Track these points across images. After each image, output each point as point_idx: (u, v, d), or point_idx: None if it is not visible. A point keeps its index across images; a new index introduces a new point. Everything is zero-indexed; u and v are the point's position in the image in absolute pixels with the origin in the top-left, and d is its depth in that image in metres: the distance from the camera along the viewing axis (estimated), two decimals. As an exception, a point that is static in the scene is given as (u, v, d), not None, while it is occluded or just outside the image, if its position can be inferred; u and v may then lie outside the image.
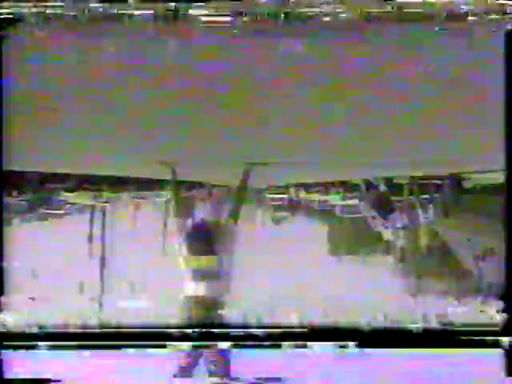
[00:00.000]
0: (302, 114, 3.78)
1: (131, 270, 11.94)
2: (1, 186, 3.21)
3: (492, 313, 3.30)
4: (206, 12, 2.60)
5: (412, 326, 3.46)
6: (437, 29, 2.55)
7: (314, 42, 2.63)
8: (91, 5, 2.60)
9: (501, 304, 3.18)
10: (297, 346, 3.43)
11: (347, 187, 16.48)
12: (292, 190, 17.76)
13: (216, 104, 3.51)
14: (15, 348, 3.34)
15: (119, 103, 3.49)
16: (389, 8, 2.58)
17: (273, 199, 16.96)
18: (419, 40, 2.60)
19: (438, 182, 14.90)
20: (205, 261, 5.35)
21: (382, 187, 14.75)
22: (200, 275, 5.33)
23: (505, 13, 2.59)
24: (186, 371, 5.25)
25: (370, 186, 15.13)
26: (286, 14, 2.58)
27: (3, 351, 3.28)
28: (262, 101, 3.41)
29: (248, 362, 4.45)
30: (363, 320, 3.49)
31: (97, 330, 3.47)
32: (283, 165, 6.81)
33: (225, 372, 5.20)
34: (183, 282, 5.39)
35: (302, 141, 4.95)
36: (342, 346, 3.43)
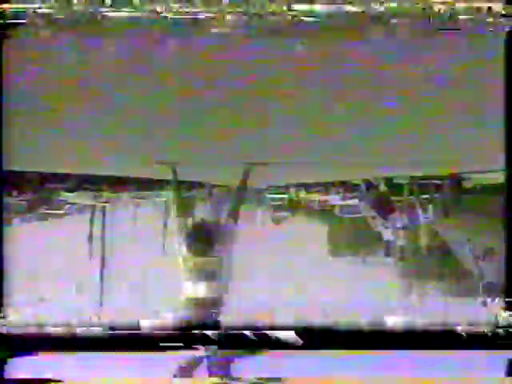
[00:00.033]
0: (302, 114, 3.78)
1: (131, 269, 11.94)
2: (1, 186, 3.20)
3: (492, 312, 3.29)
4: (205, 12, 2.60)
5: (412, 326, 3.46)
6: (437, 29, 2.55)
7: (314, 42, 2.63)
8: (91, 5, 2.60)
9: (501, 304, 3.18)
10: (296, 348, 3.43)
11: (347, 187, 16.48)
12: (292, 190, 17.76)
13: (216, 104, 3.51)
14: (15, 348, 3.34)
15: (119, 103, 3.49)
16: (389, 8, 2.58)
17: (273, 199, 16.96)
18: (419, 40, 2.60)
19: (438, 182, 14.90)
20: (204, 261, 5.34)
21: (382, 187, 14.76)
22: (199, 275, 5.33)
23: (505, 14, 2.59)
24: (186, 371, 5.25)
25: (369, 185, 15.13)
26: (286, 13, 2.58)
27: (3, 351, 3.28)
28: (262, 101, 3.41)
29: (247, 361, 4.45)
30: (363, 320, 3.49)
31: (97, 332, 3.47)
32: (283, 165, 6.81)
33: (225, 372, 5.20)
34: (182, 282, 5.39)
35: (302, 141, 4.95)
36: (342, 347, 3.43)
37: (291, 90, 3.20)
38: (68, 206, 16.43)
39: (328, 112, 3.69)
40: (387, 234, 14.40)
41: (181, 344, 3.56)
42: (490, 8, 2.58)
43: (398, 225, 14.16)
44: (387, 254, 14.14)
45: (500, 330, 3.22)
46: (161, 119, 3.97)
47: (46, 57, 2.74)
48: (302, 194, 17.87)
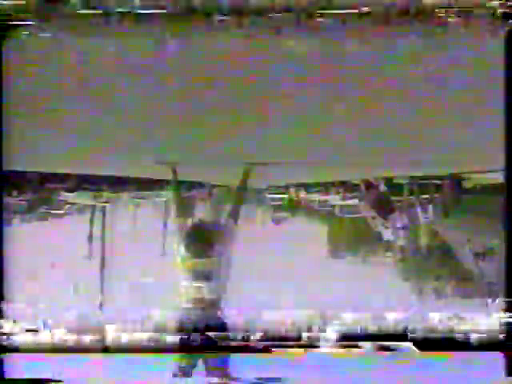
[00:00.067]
0: (302, 114, 3.78)
1: (131, 270, 11.93)
2: (1, 186, 3.21)
3: (492, 312, 3.29)
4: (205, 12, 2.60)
5: (412, 327, 3.46)
6: (437, 29, 2.55)
7: (314, 42, 2.63)
8: (92, 5, 2.60)
9: (501, 304, 3.18)
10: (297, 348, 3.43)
11: (347, 187, 16.48)
12: (292, 190, 17.76)
13: (216, 104, 3.51)
14: (16, 348, 3.34)
15: (119, 103, 3.49)
16: (389, 7, 2.58)
17: (273, 199, 16.96)
18: (419, 40, 2.60)
19: (438, 182, 14.89)
20: (202, 262, 5.33)
21: (382, 187, 14.76)
22: (197, 276, 5.32)
23: (505, 13, 2.59)
24: (185, 371, 5.25)
25: (369, 185, 15.13)
26: (286, 13, 2.58)
27: (4, 351, 3.28)
28: (262, 101, 3.41)
29: (247, 362, 4.45)
30: (362, 321, 3.49)
31: (97, 332, 3.47)
32: (283, 165, 6.81)
33: (224, 372, 5.20)
34: (181, 283, 5.38)
35: (302, 141, 4.95)
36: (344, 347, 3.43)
37: (291, 90, 3.20)
38: (68, 205, 16.42)
39: (328, 112, 3.69)
40: (387, 234, 14.40)
41: (180, 344, 3.57)
42: (490, 8, 2.58)
43: (398, 225, 14.16)
44: (387, 254, 14.14)
45: (500, 330, 3.22)
46: (161, 119, 3.97)
47: (46, 57, 2.74)
48: (302, 194, 17.87)
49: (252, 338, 3.50)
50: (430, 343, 3.47)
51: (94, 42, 2.61)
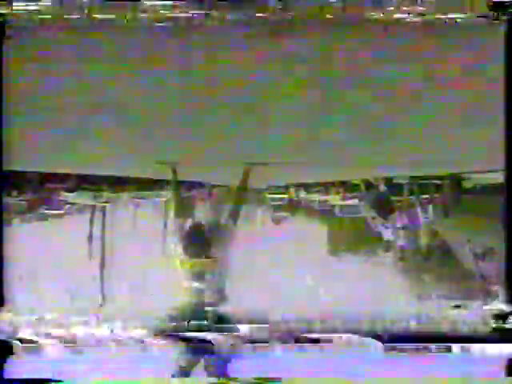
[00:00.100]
0: (302, 114, 3.78)
1: (131, 270, 11.93)
2: (1, 186, 3.21)
3: (492, 312, 3.30)
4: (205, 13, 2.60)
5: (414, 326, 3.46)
6: (437, 29, 2.56)
7: (314, 42, 2.63)
8: (92, 6, 2.60)
9: (501, 304, 3.18)
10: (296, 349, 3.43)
11: (347, 187, 16.48)
12: (292, 190, 17.77)
13: (216, 104, 3.51)
14: (15, 348, 3.34)
15: (119, 103, 3.49)
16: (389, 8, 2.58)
17: (273, 199, 16.96)
18: (419, 40, 2.60)
19: (438, 182, 14.88)
20: (200, 263, 5.33)
21: (382, 187, 14.76)
22: (196, 277, 5.32)
23: (505, 13, 2.59)
24: (184, 371, 5.26)
25: (369, 185, 15.12)
26: (286, 13, 2.58)
27: (3, 352, 3.28)
28: (262, 101, 3.41)
29: (247, 361, 4.45)
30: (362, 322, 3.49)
31: (96, 333, 3.47)
32: (283, 165, 6.81)
33: (223, 372, 5.20)
34: (180, 283, 5.38)
35: (302, 141, 4.95)
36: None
37: (291, 90, 3.20)
38: (68, 206, 16.43)
39: (328, 112, 3.69)
40: (387, 234, 14.39)
41: (179, 344, 3.56)
42: (489, 8, 2.58)
43: (398, 225, 14.15)
44: (387, 254, 14.14)
45: (500, 330, 3.22)
46: (161, 119, 3.97)
47: (46, 57, 2.74)
48: (302, 194, 17.87)
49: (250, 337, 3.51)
50: (430, 342, 3.47)
51: (93, 41, 2.61)
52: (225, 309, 5.26)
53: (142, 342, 3.60)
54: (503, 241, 3.09)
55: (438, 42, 2.62)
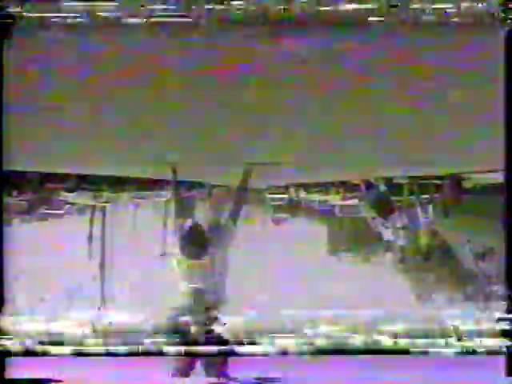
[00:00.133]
0: (302, 113, 3.78)
1: (131, 270, 11.93)
2: (1, 186, 3.21)
3: (492, 312, 3.29)
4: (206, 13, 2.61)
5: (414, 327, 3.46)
6: (437, 29, 2.56)
7: (314, 42, 2.63)
8: (92, 6, 2.60)
9: (501, 304, 3.18)
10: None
11: (347, 187, 16.47)
12: (292, 190, 17.76)
13: (216, 104, 3.51)
14: (16, 349, 3.34)
15: (119, 103, 3.49)
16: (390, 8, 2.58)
17: (273, 199, 16.95)
18: (420, 40, 2.60)
19: (438, 182, 14.88)
20: (199, 263, 5.33)
21: (382, 187, 14.76)
22: (194, 277, 5.31)
23: (505, 13, 2.59)
24: (183, 371, 5.25)
25: (369, 185, 15.12)
26: (286, 13, 2.58)
27: (4, 352, 3.28)
28: (262, 101, 3.41)
29: (246, 361, 4.45)
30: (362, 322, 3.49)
31: (96, 333, 3.47)
32: (283, 165, 6.81)
33: (223, 372, 5.21)
34: (179, 284, 5.38)
35: (302, 141, 4.95)
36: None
37: (291, 91, 3.20)
38: (68, 205, 16.42)
39: (328, 112, 3.69)
40: (387, 234, 14.39)
41: (178, 345, 3.56)
42: (490, 8, 2.58)
43: (398, 225, 14.15)
44: (387, 254, 14.14)
45: (500, 330, 3.22)
46: (161, 119, 3.97)
47: (46, 57, 2.74)
48: (302, 194, 17.86)
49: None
50: (430, 342, 3.47)
51: (94, 41, 2.61)
52: (223, 310, 5.27)
53: (142, 342, 3.60)
54: (503, 241, 3.09)
55: (438, 42, 2.62)
